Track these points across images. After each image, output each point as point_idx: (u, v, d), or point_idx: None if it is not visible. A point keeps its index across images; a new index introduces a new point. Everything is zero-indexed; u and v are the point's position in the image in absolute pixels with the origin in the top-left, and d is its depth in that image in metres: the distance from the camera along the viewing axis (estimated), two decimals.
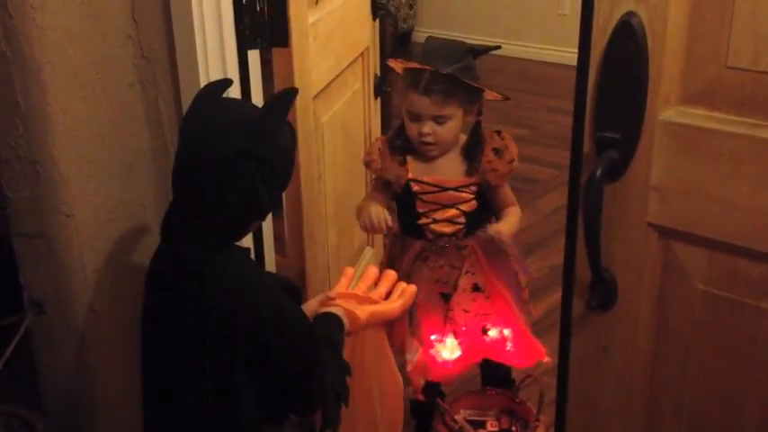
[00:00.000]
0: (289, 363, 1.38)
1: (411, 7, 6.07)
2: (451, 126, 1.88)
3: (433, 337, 2.00)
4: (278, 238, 2.03)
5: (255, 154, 1.32)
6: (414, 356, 1.96)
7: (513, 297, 2.00)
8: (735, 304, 1.18)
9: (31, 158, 1.52)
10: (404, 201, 1.98)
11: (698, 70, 1.11)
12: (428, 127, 1.86)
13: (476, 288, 1.98)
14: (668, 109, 1.14)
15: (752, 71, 1.07)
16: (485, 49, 1.92)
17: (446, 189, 1.92)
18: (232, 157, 1.31)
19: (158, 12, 1.59)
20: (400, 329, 1.95)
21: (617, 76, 1.14)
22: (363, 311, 1.62)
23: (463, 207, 1.93)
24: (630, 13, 1.11)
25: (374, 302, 1.69)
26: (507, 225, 1.95)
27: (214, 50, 1.63)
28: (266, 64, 1.84)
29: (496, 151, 1.92)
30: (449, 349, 2.01)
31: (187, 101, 1.65)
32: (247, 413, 1.40)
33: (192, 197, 1.36)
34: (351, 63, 2.30)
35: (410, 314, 1.92)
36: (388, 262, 2.04)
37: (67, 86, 1.50)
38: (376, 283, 1.75)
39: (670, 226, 1.19)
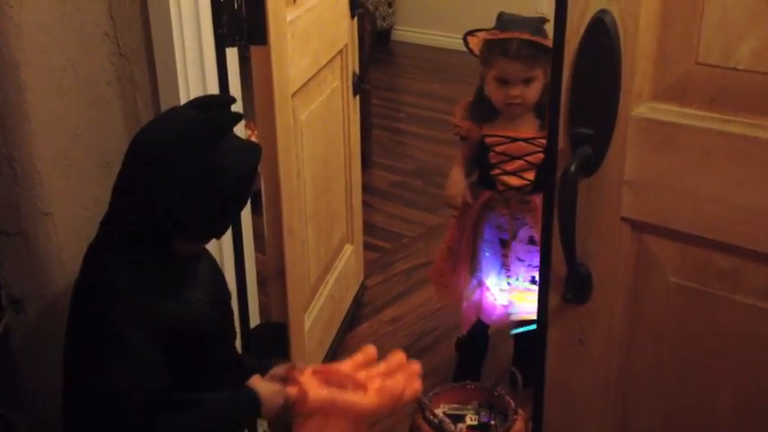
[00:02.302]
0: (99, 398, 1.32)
1: (390, 5, 6.08)
2: (536, 86, 2.07)
3: (488, 280, 2.22)
4: (257, 235, 2.04)
5: (169, 165, 1.29)
6: (471, 294, 2.24)
7: None
8: (707, 296, 1.19)
9: (8, 156, 1.52)
10: (479, 154, 2.19)
11: (669, 67, 1.13)
12: (517, 90, 2.06)
13: (531, 241, 2.16)
14: (641, 105, 1.16)
15: (722, 67, 1.08)
16: None
17: (516, 140, 2.11)
18: (149, 162, 1.30)
19: (136, 9, 1.59)
20: (463, 267, 2.26)
21: (590, 72, 1.16)
22: (318, 393, 1.40)
23: (530, 159, 2.10)
24: (603, 11, 1.12)
25: (357, 384, 1.41)
26: None
27: (192, 48, 1.63)
28: (245, 62, 1.85)
29: None
30: (501, 293, 2.22)
31: (165, 98, 1.66)
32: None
33: (116, 195, 1.37)
34: (329, 61, 2.31)
35: (473, 255, 2.24)
36: (462, 210, 2.23)
37: (45, 84, 1.50)
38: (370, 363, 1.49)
39: (643, 220, 1.21)
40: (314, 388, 1.44)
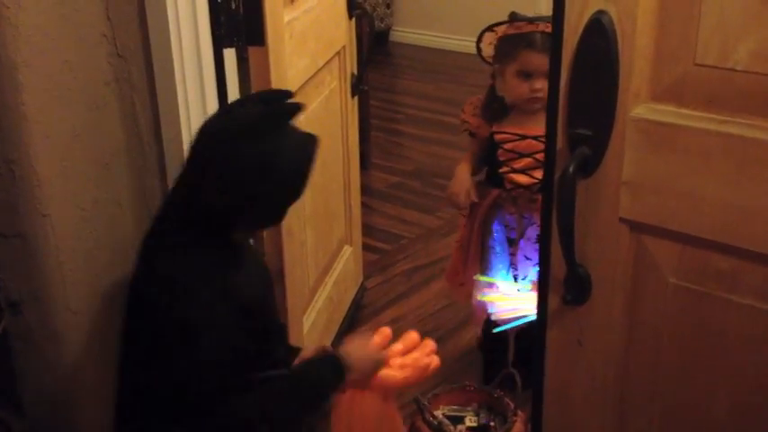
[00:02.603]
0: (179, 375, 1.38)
1: (388, 6, 6.08)
2: None
3: (497, 278, 2.23)
4: (256, 236, 2.03)
5: (231, 157, 1.35)
6: (479, 293, 2.26)
7: None
8: (705, 297, 1.19)
9: (6, 158, 1.52)
10: (488, 152, 2.19)
11: (667, 67, 1.13)
12: (540, 82, 2.04)
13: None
14: (638, 106, 1.16)
15: (720, 68, 1.08)
16: None
17: (525, 137, 2.11)
18: (211, 155, 1.37)
19: (133, 10, 1.59)
20: (472, 267, 2.27)
21: (588, 73, 1.16)
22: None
23: (539, 156, 2.07)
24: (600, 12, 1.12)
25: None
26: None
27: (189, 49, 1.64)
28: (243, 63, 1.85)
29: None
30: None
31: (162, 99, 1.66)
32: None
33: (180, 181, 1.46)
34: (327, 62, 2.31)
35: (482, 254, 2.25)
36: (471, 209, 2.24)
37: (43, 86, 1.49)
38: (387, 343, 1.65)
39: (641, 221, 1.21)
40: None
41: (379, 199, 3.71)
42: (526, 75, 2.07)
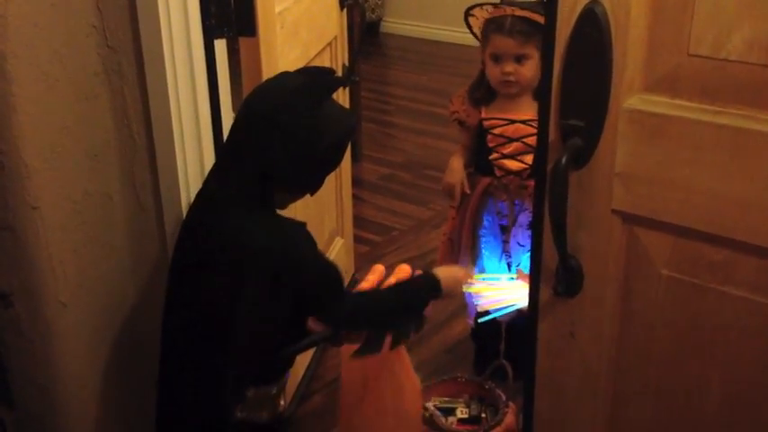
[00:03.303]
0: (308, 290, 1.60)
1: None
2: (530, 66, 2.09)
3: (489, 267, 2.27)
4: None
5: (276, 120, 1.45)
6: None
7: None
8: (697, 288, 1.19)
9: None
10: (478, 140, 2.21)
11: (660, 58, 1.12)
12: (510, 66, 2.09)
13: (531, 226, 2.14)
14: (632, 96, 1.15)
15: (713, 59, 1.08)
16: None
17: (514, 122, 2.14)
18: (257, 117, 1.47)
19: (123, 1, 1.58)
20: (464, 257, 2.29)
21: (581, 64, 1.15)
22: None
23: (528, 140, 2.10)
24: (594, 2, 1.11)
25: None
26: None
27: (180, 39, 1.62)
28: (234, 54, 1.84)
29: None
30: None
31: (152, 90, 1.65)
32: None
33: (225, 149, 1.56)
34: (319, 53, 2.30)
35: (473, 244, 2.27)
36: (461, 199, 2.26)
37: (32, 76, 1.48)
38: (382, 279, 1.80)
39: (634, 212, 1.21)
40: None
41: (371, 190, 3.71)
42: (497, 58, 2.11)
